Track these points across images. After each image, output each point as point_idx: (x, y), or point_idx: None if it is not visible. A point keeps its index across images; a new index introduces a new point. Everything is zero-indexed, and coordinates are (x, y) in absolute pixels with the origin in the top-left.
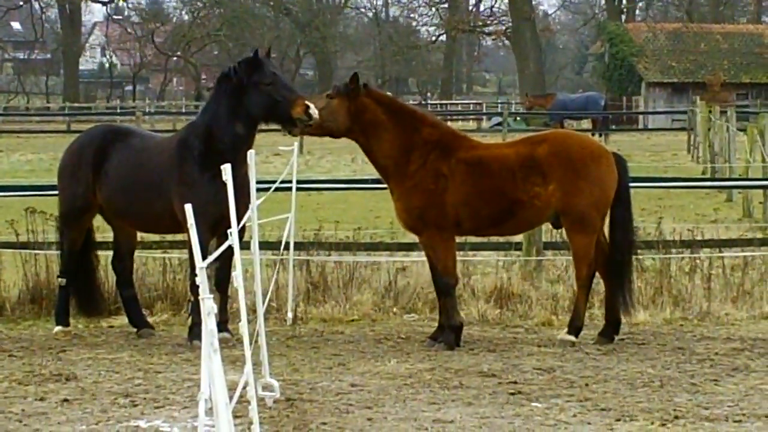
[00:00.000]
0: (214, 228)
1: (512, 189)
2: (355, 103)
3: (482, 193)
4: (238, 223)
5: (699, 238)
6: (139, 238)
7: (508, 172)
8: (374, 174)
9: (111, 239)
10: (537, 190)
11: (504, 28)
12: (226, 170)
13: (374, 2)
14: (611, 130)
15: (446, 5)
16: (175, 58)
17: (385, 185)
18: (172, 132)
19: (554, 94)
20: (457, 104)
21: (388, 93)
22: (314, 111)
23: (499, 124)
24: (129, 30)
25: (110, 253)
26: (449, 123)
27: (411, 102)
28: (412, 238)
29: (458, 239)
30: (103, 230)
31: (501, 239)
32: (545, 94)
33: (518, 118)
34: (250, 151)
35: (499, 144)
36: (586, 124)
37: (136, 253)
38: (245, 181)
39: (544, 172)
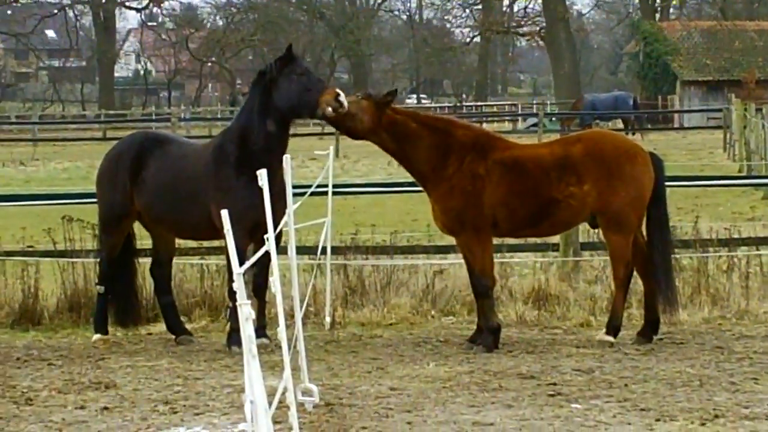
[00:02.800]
0: (251, 233)
1: (547, 189)
2: (385, 114)
3: (518, 194)
4: (275, 229)
5: (736, 236)
6: (177, 245)
7: (542, 172)
8: (410, 177)
9: (150, 246)
10: (572, 190)
11: (538, 28)
12: (262, 175)
13: (408, 5)
14: (646, 129)
15: (480, 7)
16: (209, 64)
17: (421, 189)
18: (208, 138)
19: (582, 96)
20: (492, 105)
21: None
22: (344, 100)
23: (534, 125)
24: (163, 36)
25: (149, 260)
26: (484, 125)
27: (446, 104)
28: (449, 240)
29: (495, 241)
30: (141, 237)
31: (538, 240)
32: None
33: (554, 119)
34: (286, 155)
35: (534, 144)
36: (618, 123)
37: (174, 259)
38: (282, 186)
39: (579, 172)
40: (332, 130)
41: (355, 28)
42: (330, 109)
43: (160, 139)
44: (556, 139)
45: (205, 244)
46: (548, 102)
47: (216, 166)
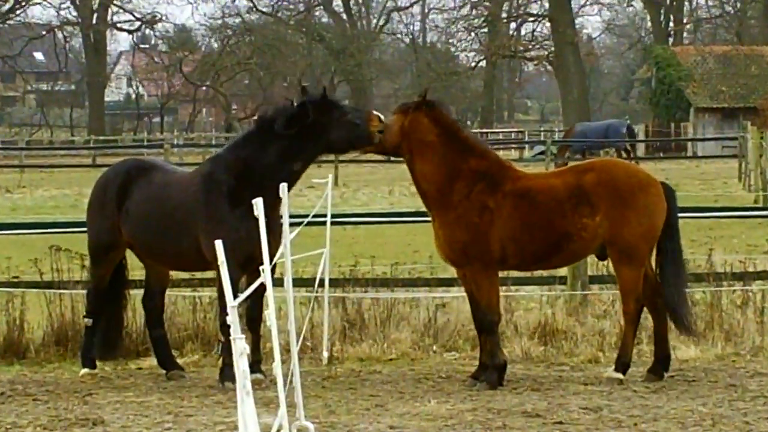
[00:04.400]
0: (243, 266)
1: (561, 222)
2: (409, 120)
3: (530, 227)
4: (270, 261)
5: (751, 269)
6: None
7: (556, 203)
8: (412, 206)
9: (142, 278)
10: (585, 222)
11: (546, 53)
12: (258, 205)
13: (411, 28)
14: (657, 158)
15: (486, 30)
16: (204, 88)
17: (423, 218)
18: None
19: (573, 126)
20: (498, 132)
21: (454, 117)
22: (383, 119)
23: (541, 153)
24: (156, 59)
25: (142, 291)
26: None
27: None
28: (452, 272)
29: (500, 273)
30: (134, 268)
31: (545, 273)
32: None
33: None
34: (282, 184)
35: (545, 174)
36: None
37: (167, 291)
38: (277, 217)
39: (592, 202)
40: (331, 157)
41: (356, 52)
42: (376, 136)
43: (145, 167)
44: (567, 168)
45: (198, 275)
46: (557, 129)
47: (206, 195)
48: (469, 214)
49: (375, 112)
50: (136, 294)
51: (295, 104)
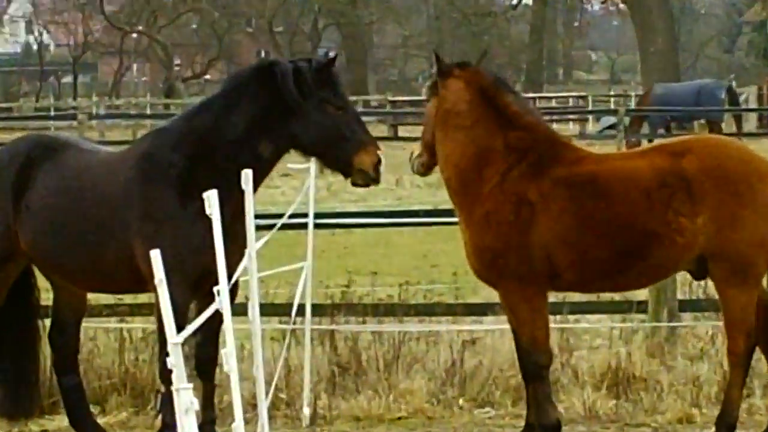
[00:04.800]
0: (196, 285)
1: (645, 218)
2: (441, 92)
3: (593, 226)
4: (230, 278)
5: None
6: (87, 301)
7: (640, 193)
8: (428, 202)
9: (50, 302)
10: (682, 222)
11: None
12: (211, 200)
13: None
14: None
15: None
16: (134, 36)
17: (445, 219)
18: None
19: (650, 88)
20: (550, 98)
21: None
22: (383, 168)
23: (611, 126)
24: None
25: (49, 322)
26: None
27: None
28: (488, 295)
29: (553, 297)
30: (46, 290)
31: (616, 296)
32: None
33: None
34: (247, 170)
35: (622, 155)
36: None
37: (83, 322)
38: (241, 217)
39: (694, 196)
40: None
41: None
42: (362, 180)
43: (53, 146)
44: (654, 147)
45: (128, 299)
46: (633, 93)
47: (144, 183)
48: (501, 210)
49: (378, 151)
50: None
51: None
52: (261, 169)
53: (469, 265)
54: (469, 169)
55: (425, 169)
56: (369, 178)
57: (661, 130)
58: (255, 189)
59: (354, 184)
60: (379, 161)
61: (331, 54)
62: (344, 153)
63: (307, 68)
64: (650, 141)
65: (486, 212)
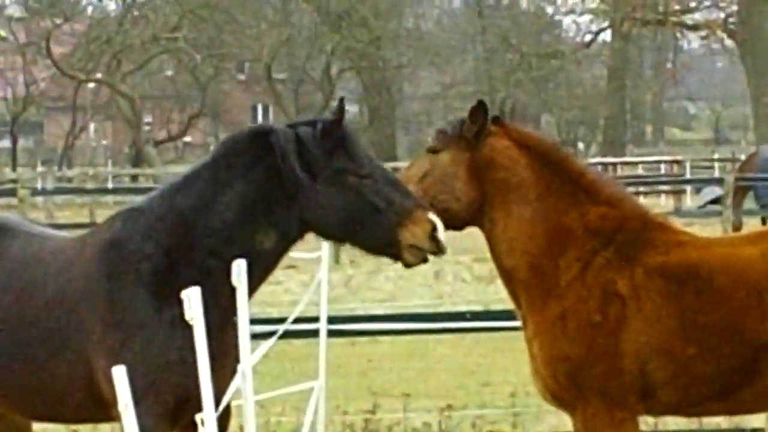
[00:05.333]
0: (175, 413)
1: (756, 325)
2: (482, 151)
3: (696, 332)
4: (218, 403)
5: None
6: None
7: (748, 292)
8: (477, 301)
9: None
10: None
11: (723, 15)
12: (192, 299)
13: None
14: None
15: None
16: (91, 86)
17: (502, 323)
18: (87, 227)
19: (756, 151)
20: (636, 164)
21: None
22: (442, 235)
23: (716, 200)
24: (3, 33)
25: None
26: None
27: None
28: (557, 422)
29: (646, 425)
30: None
31: (722, 421)
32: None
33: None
34: (239, 261)
35: (730, 239)
36: None
37: None
38: (232, 324)
39: None
40: None
41: (371, 16)
42: (416, 258)
43: None
44: None
45: (83, 430)
46: (743, 156)
47: (109, 281)
48: (583, 308)
49: (431, 215)
50: None
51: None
52: (260, 264)
53: (536, 383)
54: (542, 255)
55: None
56: (424, 253)
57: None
58: (253, 289)
59: (408, 265)
60: (434, 227)
61: (337, 104)
62: (384, 230)
63: (311, 135)
64: (764, 221)
65: (563, 311)
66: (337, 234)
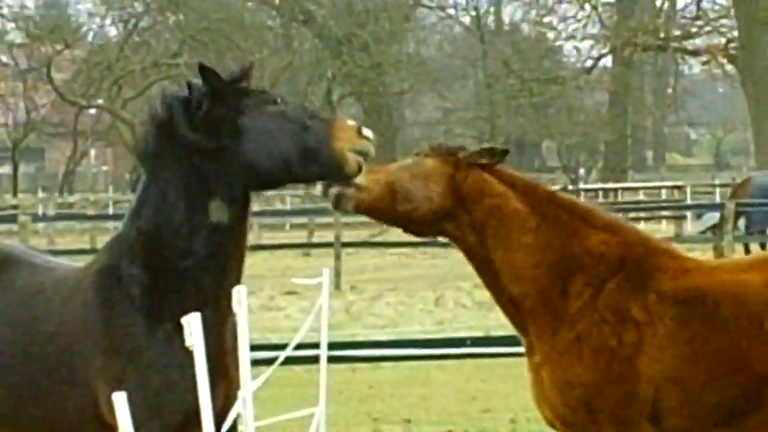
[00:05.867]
0: None
1: (759, 353)
2: (469, 176)
3: (704, 360)
4: (218, 428)
5: None
6: None
7: (749, 320)
8: (477, 327)
9: None
10: None
11: (724, 41)
12: (192, 324)
13: None
14: None
15: (612, 1)
16: (92, 111)
17: (504, 349)
18: (89, 253)
19: (748, 177)
20: (637, 189)
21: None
22: (370, 135)
23: (715, 227)
24: (4, 59)
25: None
26: None
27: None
28: None
29: None
30: None
31: None
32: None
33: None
34: (239, 287)
35: (735, 265)
36: None
37: None
38: (235, 342)
39: None
40: (326, 236)
41: (372, 41)
42: (355, 162)
43: None
44: None
45: None
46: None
47: (105, 308)
48: (598, 334)
49: (350, 121)
50: None
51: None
52: (228, 244)
53: (542, 409)
54: (549, 282)
55: (356, 209)
56: (363, 154)
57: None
58: (237, 282)
59: (349, 175)
60: (359, 128)
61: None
62: (319, 144)
63: (224, 82)
64: (746, 246)
65: (576, 336)
66: (275, 168)
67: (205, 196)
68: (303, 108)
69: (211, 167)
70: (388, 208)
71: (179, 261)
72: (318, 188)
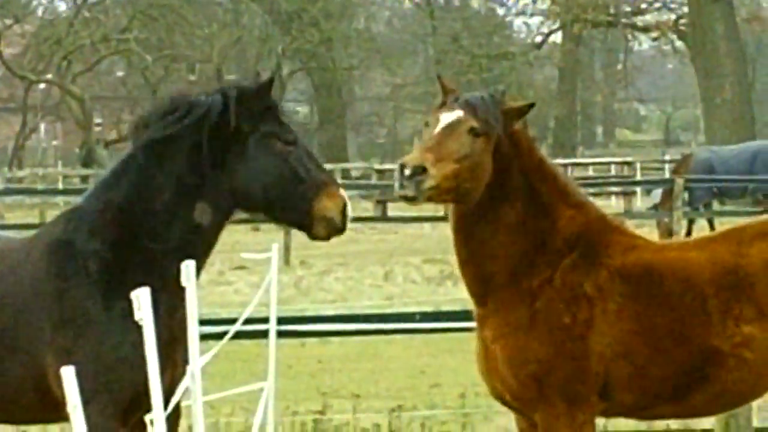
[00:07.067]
0: (127, 412)
1: (702, 330)
2: (505, 142)
3: (651, 335)
4: (167, 403)
5: None
6: None
7: (693, 296)
8: (426, 301)
9: None
10: (749, 332)
11: (674, 17)
12: (141, 299)
13: None
14: None
15: None
16: (42, 86)
17: (451, 324)
18: (38, 228)
19: (690, 153)
20: (587, 165)
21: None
22: (351, 215)
23: (657, 204)
24: None
25: None
26: None
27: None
28: (505, 424)
29: (602, 423)
30: None
31: (672, 423)
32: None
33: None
34: (188, 261)
35: (682, 243)
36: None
37: None
38: (182, 320)
39: (759, 296)
40: None
41: (323, 17)
42: (326, 230)
43: None
44: (723, 232)
45: (33, 430)
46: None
47: (58, 280)
48: (553, 310)
49: (341, 192)
50: None
51: (210, 95)
52: (202, 241)
53: (494, 382)
54: (520, 260)
55: (427, 201)
56: (335, 228)
57: (698, 206)
58: (198, 268)
59: (315, 237)
60: (345, 205)
61: (270, 74)
62: (302, 199)
63: (252, 92)
64: (691, 221)
65: (533, 313)
66: (261, 201)
67: (195, 194)
68: (308, 154)
69: (209, 172)
70: (457, 192)
71: (150, 242)
72: (395, 185)
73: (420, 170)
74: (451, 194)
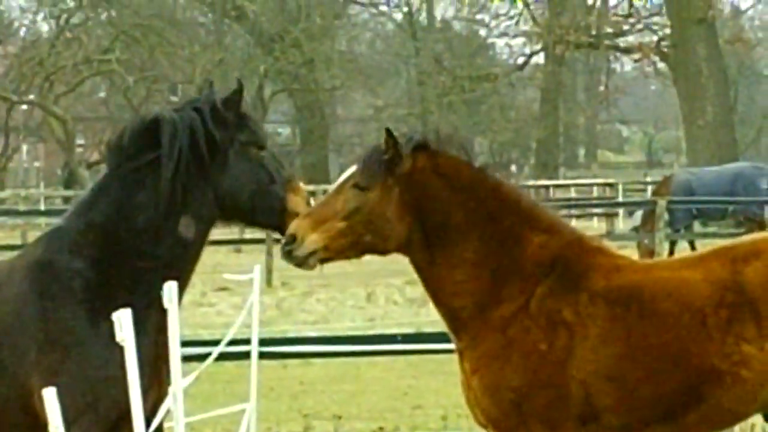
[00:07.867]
0: (113, 430)
1: (701, 348)
2: (411, 189)
3: (641, 357)
4: (148, 426)
5: None
6: None
7: (691, 315)
8: (409, 323)
9: None
10: (747, 351)
11: (656, 39)
12: (122, 320)
13: None
14: None
15: None
16: (24, 107)
17: (434, 346)
18: (20, 249)
19: (671, 175)
20: (569, 186)
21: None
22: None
23: (638, 226)
24: None
25: None
26: None
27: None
28: None
29: None
30: None
31: None
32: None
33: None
34: (170, 282)
35: (670, 262)
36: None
37: None
38: (165, 341)
39: (761, 315)
40: (261, 234)
41: (305, 39)
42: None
43: None
44: (712, 251)
45: None
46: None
47: (42, 300)
48: (530, 337)
49: (301, 184)
50: None
51: (191, 105)
52: (187, 255)
53: (476, 412)
54: (487, 293)
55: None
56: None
57: (678, 227)
58: (182, 291)
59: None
60: (308, 197)
61: (237, 81)
62: (277, 199)
63: (224, 103)
64: (673, 242)
65: (508, 341)
66: (245, 208)
67: (180, 209)
68: (273, 156)
69: (191, 184)
70: (356, 253)
71: (136, 260)
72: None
73: (291, 239)
74: (352, 250)
